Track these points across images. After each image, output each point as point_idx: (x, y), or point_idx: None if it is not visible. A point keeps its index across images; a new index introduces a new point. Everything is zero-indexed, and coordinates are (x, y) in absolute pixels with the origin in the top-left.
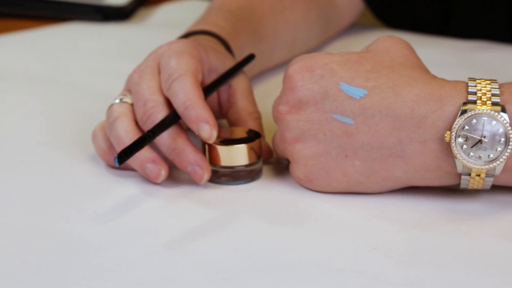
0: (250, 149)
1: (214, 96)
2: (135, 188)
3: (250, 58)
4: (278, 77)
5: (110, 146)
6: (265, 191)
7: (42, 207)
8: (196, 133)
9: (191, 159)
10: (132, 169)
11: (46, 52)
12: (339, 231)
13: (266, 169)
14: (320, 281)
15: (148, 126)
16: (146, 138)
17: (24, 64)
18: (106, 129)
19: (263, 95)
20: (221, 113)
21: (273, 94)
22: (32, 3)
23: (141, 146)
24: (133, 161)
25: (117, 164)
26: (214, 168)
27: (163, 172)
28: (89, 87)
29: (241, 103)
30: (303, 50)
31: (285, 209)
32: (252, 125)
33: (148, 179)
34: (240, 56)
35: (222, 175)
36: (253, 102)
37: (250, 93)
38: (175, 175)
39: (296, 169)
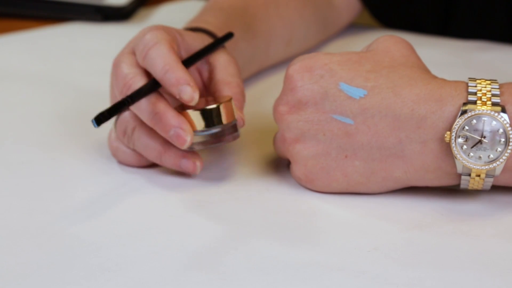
0: (223, 109)
1: (196, 77)
2: (136, 188)
3: (228, 36)
4: (275, 77)
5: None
6: (265, 191)
7: (42, 207)
8: (177, 97)
9: (173, 122)
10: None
11: (46, 52)
12: (339, 231)
13: (266, 169)
14: (320, 281)
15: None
16: (124, 103)
17: (24, 64)
18: (123, 140)
19: (261, 95)
20: (207, 93)
21: (270, 94)
22: (32, 3)
23: (119, 110)
24: (166, 161)
25: (95, 126)
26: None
27: (198, 163)
28: (89, 87)
29: (219, 76)
30: (300, 48)
31: (285, 209)
32: (228, 93)
33: (186, 173)
34: (233, 51)
35: (200, 141)
36: (233, 74)
37: (230, 65)
38: (175, 175)
39: (296, 169)
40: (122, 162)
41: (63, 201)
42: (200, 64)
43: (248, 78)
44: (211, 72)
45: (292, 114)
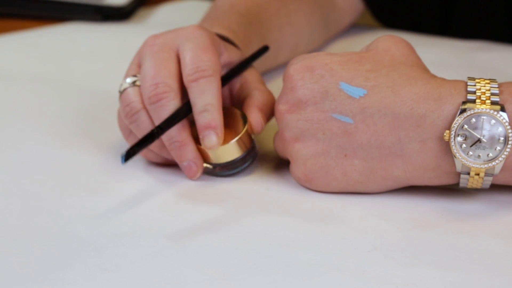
0: (238, 143)
1: (226, 89)
2: (136, 188)
3: (264, 50)
4: (276, 77)
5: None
6: (265, 191)
7: (42, 207)
8: (200, 137)
9: (190, 155)
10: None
11: (46, 52)
12: (339, 231)
13: (266, 169)
14: (320, 281)
15: (154, 109)
16: (154, 135)
17: (24, 64)
18: (128, 118)
19: None
20: (231, 102)
21: (276, 95)
22: (32, 3)
23: (149, 143)
24: (168, 155)
25: (122, 162)
26: (206, 166)
27: (199, 174)
28: (89, 87)
29: (253, 85)
30: (304, 52)
31: (285, 209)
32: (261, 98)
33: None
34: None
35: (217, 169)
36: (263, 83)
37: (259, 76)
38: (175, 175)
39: (296, 168)
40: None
41: (63, 201)
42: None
43: None
44: (243, 84)
45: (292, 113)
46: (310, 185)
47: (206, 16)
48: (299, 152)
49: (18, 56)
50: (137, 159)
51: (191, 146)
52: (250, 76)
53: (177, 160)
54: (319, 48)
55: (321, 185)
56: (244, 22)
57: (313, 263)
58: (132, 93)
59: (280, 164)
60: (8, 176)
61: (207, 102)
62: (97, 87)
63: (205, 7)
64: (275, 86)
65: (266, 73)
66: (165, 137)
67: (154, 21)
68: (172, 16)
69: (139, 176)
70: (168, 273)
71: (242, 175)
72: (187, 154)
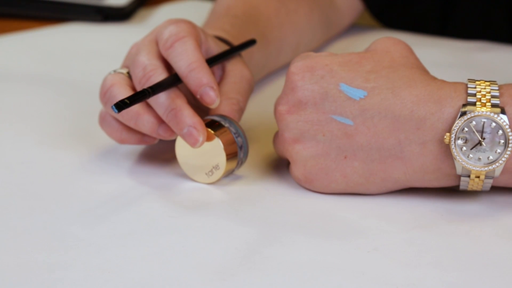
0: (228, 161)
1: None
2: (136, 188)
3: (250, 42)
4: (277, 76)
5: (122, 125)
6: (265, 191)
7: (42, 207)
8: (198, 97)
9: (188, 120)
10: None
11: (46, 52)
12: (339, 231)
13: (266, 169)
14: (320, 281)
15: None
16: (145, 93)
17: (24, 64)
18: (101, 99)
19: (262, 94)
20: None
21: (271, 94)
22: (32, 3)
23: (140, 99)
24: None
25: (115, 111)
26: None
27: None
28: (89, 87)
29: (225, 88)
30: (306, 51)
31: (285, 209)
32: (225, 109)
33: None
34: (249, 61)
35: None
36: (239, 91)
37: (242, 81)
38: (174, 176)
39: (295, 169)
40: (107, 134)
41: (63, 201)
42: (216, 69)
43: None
44: (221, 80)
45: (292, 114)
46: (310, 186)
47: (204, 23)
48: (299, 153)
49: (18, 56)
50: (135, 160)
51: (187, 111)
52: (231, 73)
53: (177, 130)
54: (319, 48)
55: (321, 187)
56: (238, 22)
57: (313, 263)
58: (110, 76)
59: (280, 165)
60: (8, 176)
61: (190, 61)
62: (97, 87)
63: (205, 7)
64: (276, 87)
65: (267, 75)
66: (162, 109)
67: (154, 21)
68: (172, 16)
69: (139, 177)
70: (168, 274)
71: (242, 175)
72: (185, 119)
